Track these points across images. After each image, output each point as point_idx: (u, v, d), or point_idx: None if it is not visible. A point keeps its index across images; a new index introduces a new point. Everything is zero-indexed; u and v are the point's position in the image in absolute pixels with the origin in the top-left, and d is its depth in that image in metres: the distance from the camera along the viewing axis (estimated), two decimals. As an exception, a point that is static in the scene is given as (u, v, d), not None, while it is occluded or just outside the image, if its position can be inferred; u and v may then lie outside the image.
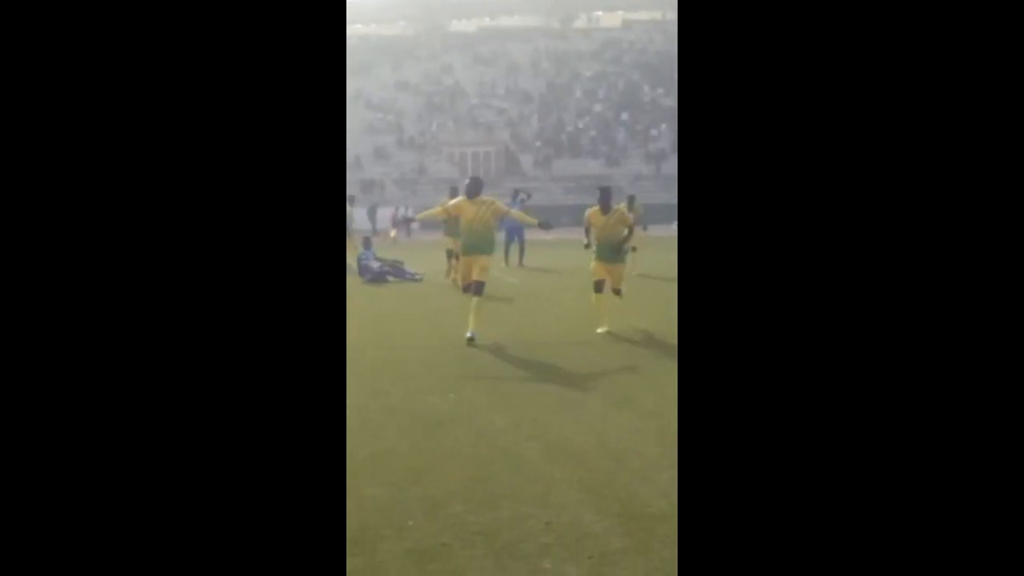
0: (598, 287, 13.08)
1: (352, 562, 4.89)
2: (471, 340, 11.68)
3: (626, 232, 13.05)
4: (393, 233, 12.92)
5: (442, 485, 6.08)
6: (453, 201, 12.79)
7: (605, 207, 13.04)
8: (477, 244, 12.13)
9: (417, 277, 20.85)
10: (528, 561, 4.71)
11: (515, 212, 13.75)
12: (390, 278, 20.84)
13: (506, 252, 24.42)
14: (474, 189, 12.31)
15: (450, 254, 19.32)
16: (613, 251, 12.99)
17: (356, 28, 74.40)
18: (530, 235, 23.73)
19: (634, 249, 22.28)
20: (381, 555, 5.00)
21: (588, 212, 13.19)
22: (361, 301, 16.81)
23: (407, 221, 13.66)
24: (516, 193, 26.71)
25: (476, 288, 12.07)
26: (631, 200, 21.71)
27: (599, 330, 12.62)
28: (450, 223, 17.79)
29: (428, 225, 11.82)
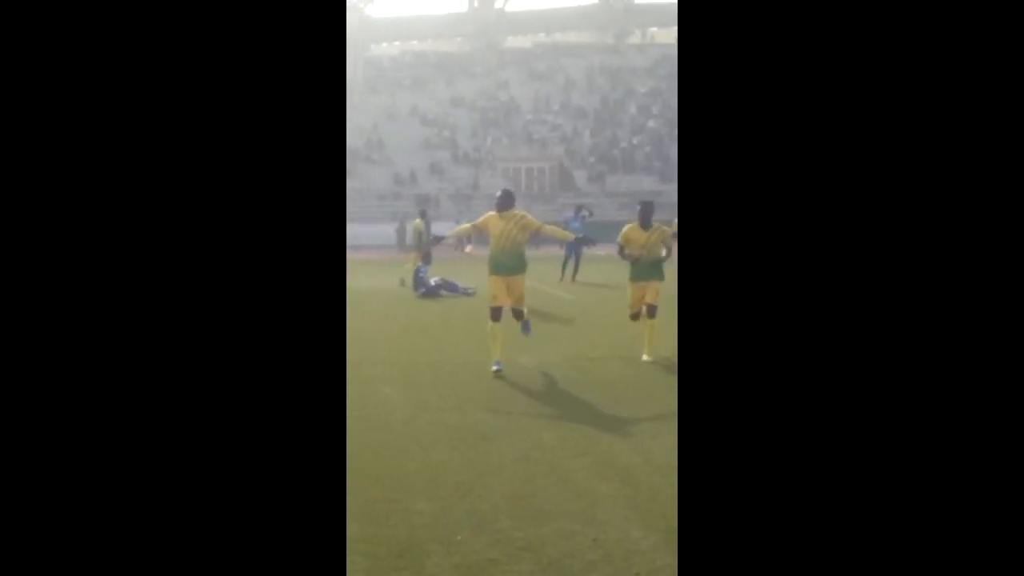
0: (636, 318, 12.41)
1: None
2: (498, 372, 10.90)
3: (665, 252, 12.15)
4: (469, 248, 12.69)
5: (489, 500, 6.12)
6: (483, 216, 11.54)
7: (645, 223, 12.14)
8: (505, 263, 11.19)
9: (470, 292, 20.95)
10: (574, 577, 4.73)
11: (549, 228, 12.00)
12: (443, 292, 21.02)
13: (563, 266, 24.37)
14: (504, 203, 11.19)
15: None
16: (651, 269, 12.10)
17: (412, 44, 74.80)
18: (585, 250, 23.64)
19: None
20: (429, 569, 5.05)
21: (626, 228, 12.30)
22: (414, 315, 16.92)
23: (436, 240, 12.10)
24: (578, 209, 26.53)
25: (516, 315, 11.41)
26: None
27: (644, 358, 11.80)
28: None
29: (481, 240, 11.12)
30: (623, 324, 14.31)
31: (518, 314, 11.34)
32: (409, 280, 22.25)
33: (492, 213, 11.25)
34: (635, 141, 59.10)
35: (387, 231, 44.39)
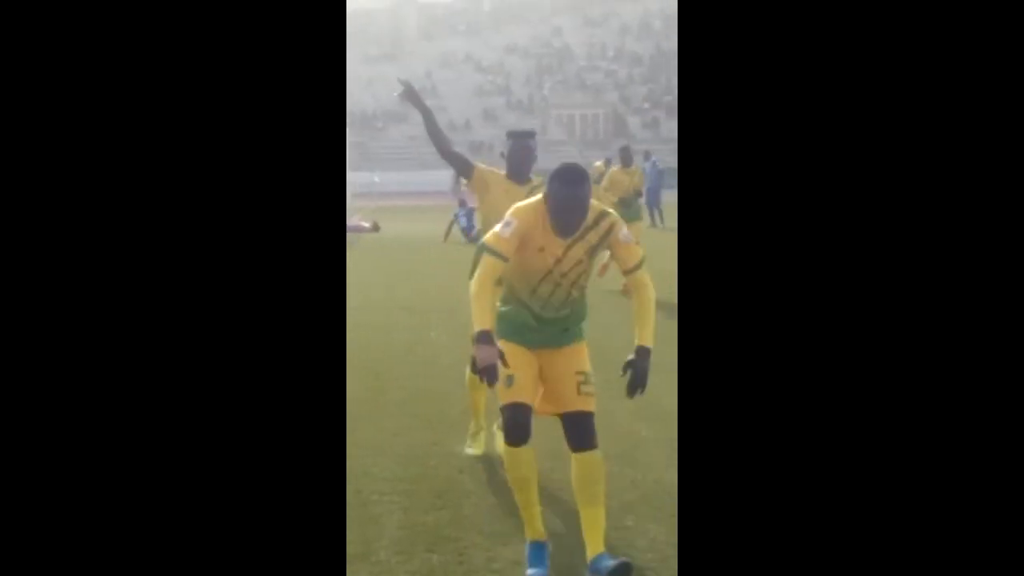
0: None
1: (438, 515, 5.01)
2: None
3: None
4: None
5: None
6: (485, 177, 6.08)
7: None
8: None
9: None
10: (611, 517, 4.74)
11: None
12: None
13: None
14: (518, 163, 5.96)
15: None
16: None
17: (467, -10, 74.49)
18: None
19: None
20: (467, 509, 5.15)
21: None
22: (464, 260, 16.91)
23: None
24: (648, 155, 25.86)
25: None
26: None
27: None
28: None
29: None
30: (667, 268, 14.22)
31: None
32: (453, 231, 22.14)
33: (494, 173, 6.08)
34: (691, 87, 58.51)
35: (442, 177, 44.36)
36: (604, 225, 4.26)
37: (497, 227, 4.23)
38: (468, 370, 5.89)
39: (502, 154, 5.90)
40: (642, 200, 13.64)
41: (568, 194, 4.11)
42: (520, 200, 4.60)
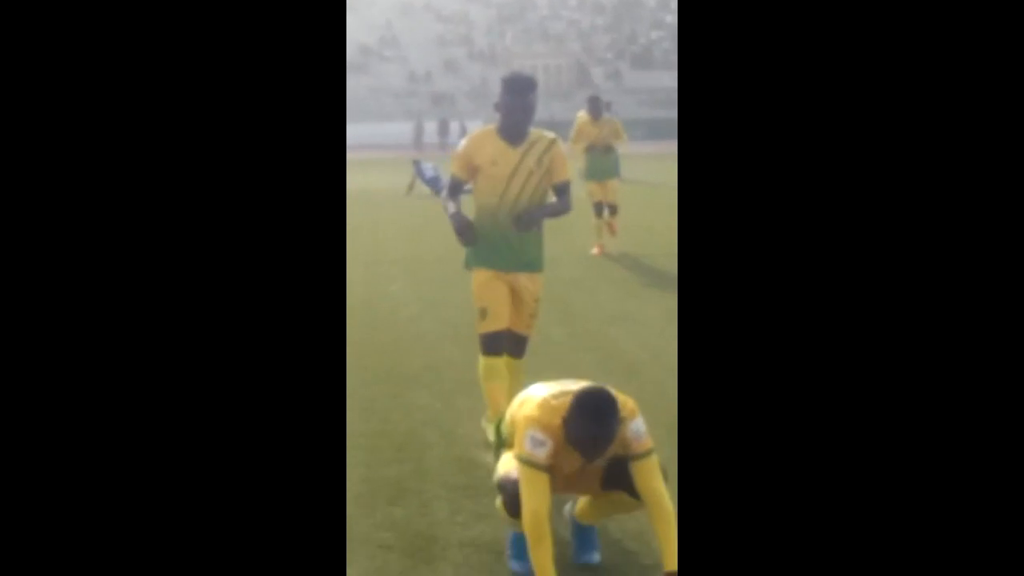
0: None
1: (400, 468, 4.98)
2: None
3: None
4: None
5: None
6: (466, 144, 5.57)
7: None
8: (506, 246, 5.57)
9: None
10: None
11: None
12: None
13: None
14: (517, 112, 5.31)
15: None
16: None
17: (427, -61, 73.63)
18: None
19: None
20: (429, 462, 5.10)
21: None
22: (425, 212, 16.78)
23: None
24: (609, 105, 25.60)
25: (514, 346, 5.59)
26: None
27: None
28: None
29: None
30: (635, 222, 14.17)
31: (516, 346, 5.59)
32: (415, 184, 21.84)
33: (486, 129, 5.59)
34: (653, 36, 58.29)
35: (402, 129, 44.15)
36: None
37: (527, 445, 3.76)
38: (481, 361, 5.49)
39: (496, 106, 5.41)
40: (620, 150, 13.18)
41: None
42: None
